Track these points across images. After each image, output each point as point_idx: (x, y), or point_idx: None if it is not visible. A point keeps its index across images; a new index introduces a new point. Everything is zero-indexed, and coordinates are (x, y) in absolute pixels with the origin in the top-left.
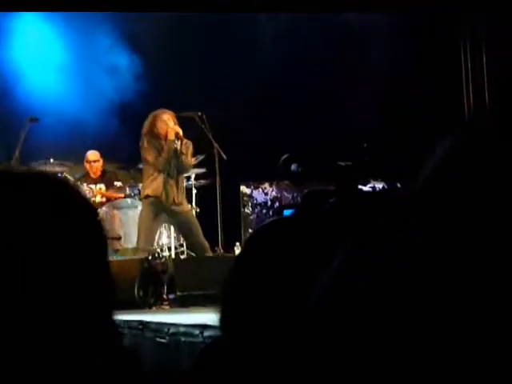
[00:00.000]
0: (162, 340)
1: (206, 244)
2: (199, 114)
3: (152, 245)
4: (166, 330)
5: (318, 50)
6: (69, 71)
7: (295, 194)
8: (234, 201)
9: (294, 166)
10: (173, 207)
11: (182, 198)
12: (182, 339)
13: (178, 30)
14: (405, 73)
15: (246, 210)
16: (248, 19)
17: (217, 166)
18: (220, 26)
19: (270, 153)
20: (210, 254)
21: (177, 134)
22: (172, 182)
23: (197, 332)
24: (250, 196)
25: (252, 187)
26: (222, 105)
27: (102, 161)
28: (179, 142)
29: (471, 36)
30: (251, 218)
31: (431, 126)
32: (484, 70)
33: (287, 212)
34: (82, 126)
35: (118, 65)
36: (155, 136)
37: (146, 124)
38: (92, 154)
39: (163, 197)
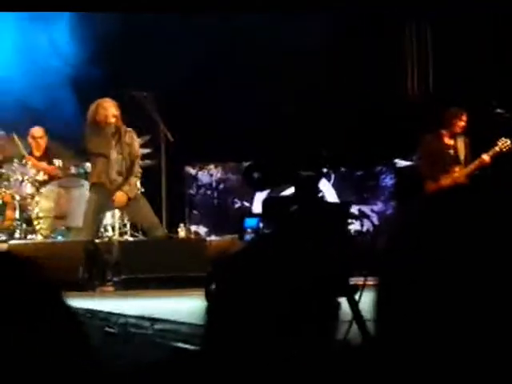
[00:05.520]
0: (111, 330)
1: (157, 221)
2: (145, 94)
3: (97, 233)
4: (115, 319)
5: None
6: (14, 53)
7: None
8: (178, 182)
9: (256, 174)
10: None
11: (131, 181)
12: (132, 330)
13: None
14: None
15: (191, 191)
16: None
17: (162, 146)
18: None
19: (217, 135)
20: (161, 231)
21: (115, 117)
22: (115, 165)
23: (147, 324)
24: (195, 177)
25: (197, 168)
26: (169, 86)
27: (46, 138)
28: (123, 130)
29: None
30: (196, 199)
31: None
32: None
33: (249, 221)
34: (27, 102)
35: (65, 48)
36: (97, 123)
37: (89, 113)
38: (36, 130)
39: (107, 182)
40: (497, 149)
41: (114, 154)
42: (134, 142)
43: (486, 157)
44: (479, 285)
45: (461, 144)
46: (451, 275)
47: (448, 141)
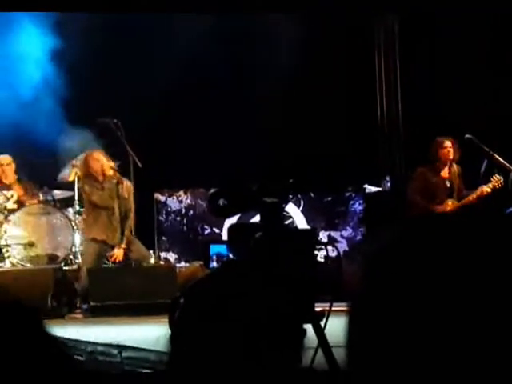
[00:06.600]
0: (80, 358)
1: (146, 253)
2: (115, 121)
3: None
4: (83, 347)
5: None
6: None
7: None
8: (148, 208)
9: (222, 201)
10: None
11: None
12: (100, 358)
13: (97, 34)
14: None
15: (160, 218)
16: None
17: (131, 173)
18: (136, 31)
19: (186, 161)
20: (150, 261)
21: (113, 170)
22: (114, 221)
23: (115, 352)
24: (164, 204)
25: (166, 195)
26: (138, 112)
27: (14, 165)
28: (117, 182)
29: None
30: (165, 225)
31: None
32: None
33: (214, 247)
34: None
35: (36, 70)
36: (93, 176)
37: (81, 166)
38: (3, 158)
39: (108, 238)
40: (491, 185)
41: (115, 208)
42: (131, 195)
43: (487, 189)
44: (456, 316)
45: (454, 173)
46: (428, 307)
47: (444, 173)
